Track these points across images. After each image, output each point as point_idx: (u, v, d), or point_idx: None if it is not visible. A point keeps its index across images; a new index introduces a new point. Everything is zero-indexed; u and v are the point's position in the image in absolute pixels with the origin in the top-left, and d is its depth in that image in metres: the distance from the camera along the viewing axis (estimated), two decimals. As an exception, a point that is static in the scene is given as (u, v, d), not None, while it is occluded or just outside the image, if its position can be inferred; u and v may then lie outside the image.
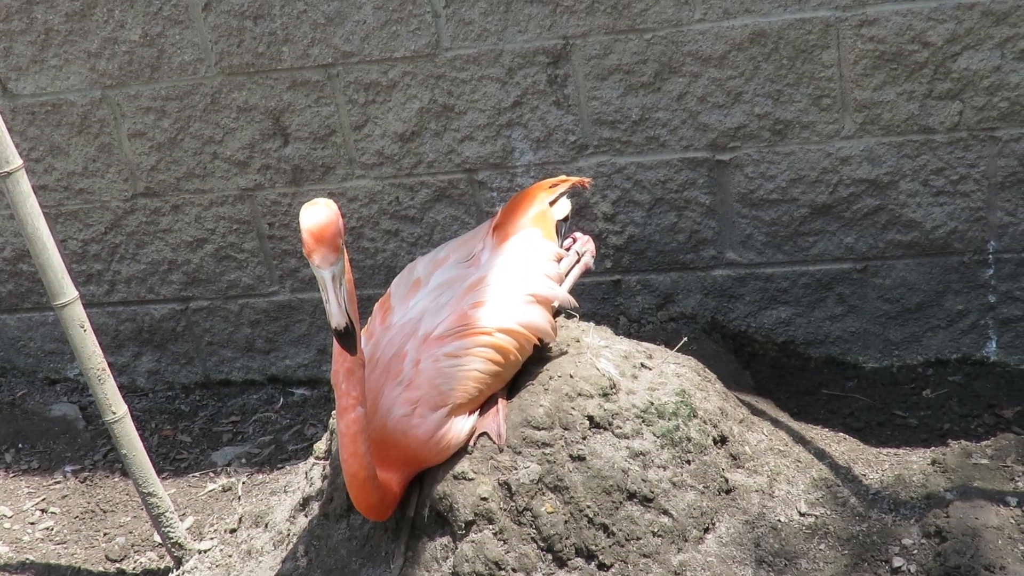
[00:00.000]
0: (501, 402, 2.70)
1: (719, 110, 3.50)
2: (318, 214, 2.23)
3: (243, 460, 3.78)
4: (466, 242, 2.91)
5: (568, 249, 3.03)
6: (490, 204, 3.79)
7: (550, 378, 2.73)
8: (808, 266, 3.63)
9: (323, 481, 2.94)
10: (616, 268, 3.80)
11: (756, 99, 3.46)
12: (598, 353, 2.82)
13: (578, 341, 2.87)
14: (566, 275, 2.94)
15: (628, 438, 2.67)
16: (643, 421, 2.70)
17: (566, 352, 2.82)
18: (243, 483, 3.63)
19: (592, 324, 2.99)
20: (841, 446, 3.12)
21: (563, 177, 3.15)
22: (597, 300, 3.86)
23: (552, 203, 3.01)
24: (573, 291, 2.93)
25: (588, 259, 3.04)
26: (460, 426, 2.62)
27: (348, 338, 2.30)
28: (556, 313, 2.93)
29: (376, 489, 2.48)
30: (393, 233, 3.89)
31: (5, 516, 3.58)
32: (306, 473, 3.07)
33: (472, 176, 3.77)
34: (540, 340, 2.75)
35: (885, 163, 3.44)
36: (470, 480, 2.60)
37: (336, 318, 2.24)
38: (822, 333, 3.70)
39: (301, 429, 3.89)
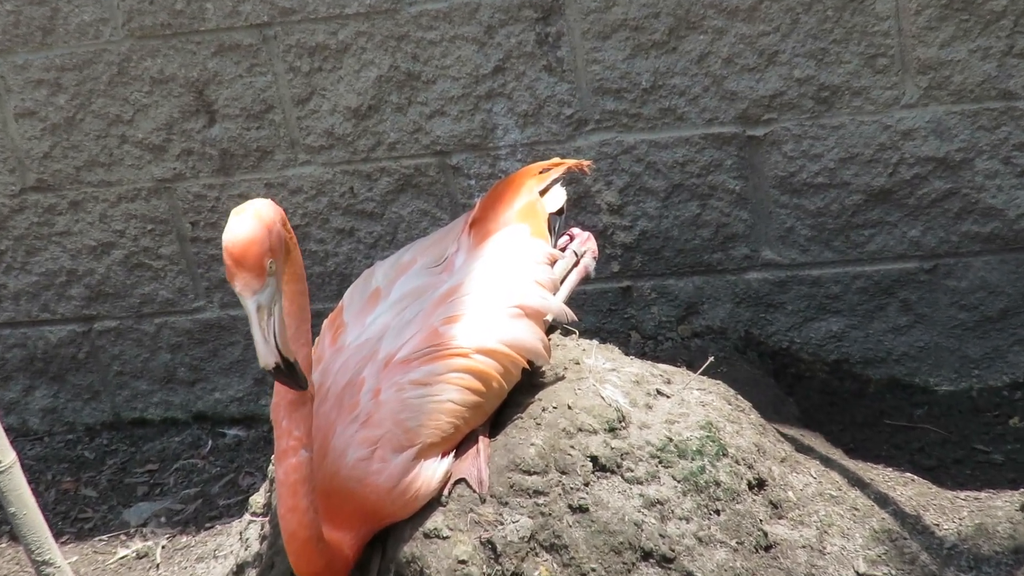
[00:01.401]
0: (482, 441, 2.72)
1: (749, 74, 3.53)
2: (240, 228, 2.27)
3: (162, 519, 3.76)
4: (437, 242, 2.94)
5: (564, 249, 3.06)
6: (467, 195, 3.82)
7: (543, 410, 2.75)
8: (864, 266, 3.66)
9: (262, 543, 2.93)
10: (625, 272, 3.83)
11: (795, 60, 3.50)
12: (603, 378, 2.84)
13: (578, 363, 2.89)
14: (561, 282, 2.97)
15: (641, 483, 2.66)
16: (660, 462, 2.69)
17: (563, 377, 2.84)
18: (162, 547, 3.62)
19: (595, 342, 3.01)
20: (908, 489, 3.13)
21: (557, 160, 3.17)
22: (602, 312, 3.88)
23: (543, 192, 3.05)
24: (571, 301, 2.95)
25: (588, 261, 3.06)
26: (431, 471, 2.63)
27: (288, 375, 2.34)
28: (550, 329, 2.96)
29: (321, 553, 2.48)
30: (347, 232, 3.92)
31: None
32: (240, 534, 3.06)
33: (444, 160, 3.80)
34: (530, 363, 2.78)
35: (956, 137, 3.47)
36: (445, 539, 2.59)
37: (263, 356, 2.28)
38: (883, 349, 3.73)
39: (235, 479, 3.90)
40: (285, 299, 2.44)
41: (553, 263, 2.95)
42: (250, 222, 2.28)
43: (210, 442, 4.09)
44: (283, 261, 2.34)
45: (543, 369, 2.86)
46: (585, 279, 3.08)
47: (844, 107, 3.51)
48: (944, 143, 3.48)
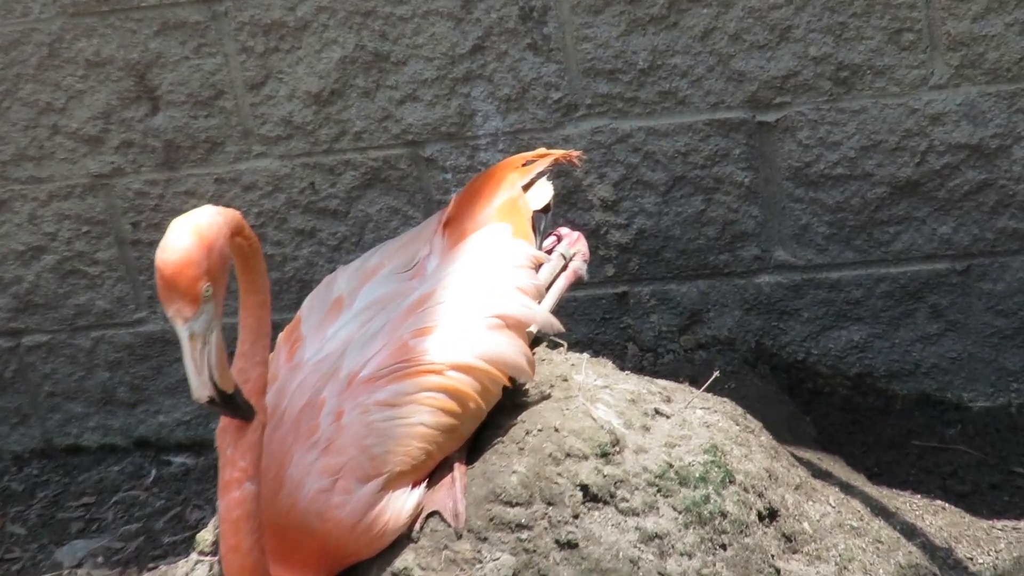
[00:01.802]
0: (458, 468, 2.71)
1: (759, 52, 3.54)
2: (174, 246, 2.29)
3: (100, 558, 3.73)
4: (407, 244, 2.93)
5: (550, 251, 3.06)
6: (442, 190, 3.82)
7: (527, 433, 2.74)
8: (889, 267, 3.67)
9: (211, 585, 2.90)
10: (621, 276, 3.83)
11: (811, 36, 3.51)
12: (595, 396, 2.84)
13: (566, 380, 2.88)
14: (547, 288, 2.97)
15: (638, 515, 2.65)
16: (659, 491, 2.69)
17: (549, 396, 2.84)
18: (100, 590, 3.62)
19: (587, 356, 3.01)
20: (939, 518, 3.13)
21: (543, 151, 3.17)
22: (595, 322, 3.88)
23: (527, 187, 3.05)
24: (558, 310, 2.95)
25: (578, 265, 3.06)
26: (401, 503, 2.62)
27: (227, 407, 2.38)
28: (534, 342, 2.95)
29: (268, 598, 2.50)
30: (307, 233, 3.92)
31: None
32: (187, 575, 3.01)
33: (417, 151, 3.80)
34: (512, 380, 2.78)
35: (991, 121, 3.47)
36: (416, 579, 2.58)
37: (196, 389, 2.32)
38: (911, 361, 3.73)
39: (181, 513, 3.86)
40: (243, 311, 2.49)
41: (538, 267, 2.95)
42: (186, 239, 2.29)
43: (154, 471, 4.06)
44: (223, 283, 2.35)
45: (527, 387, 2.85)
46: (575, 285, 3.07)
47: (866, 89, 3.51)
48: (978, 128, 3.48)
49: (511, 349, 2.74)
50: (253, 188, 3.89)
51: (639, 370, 3.64)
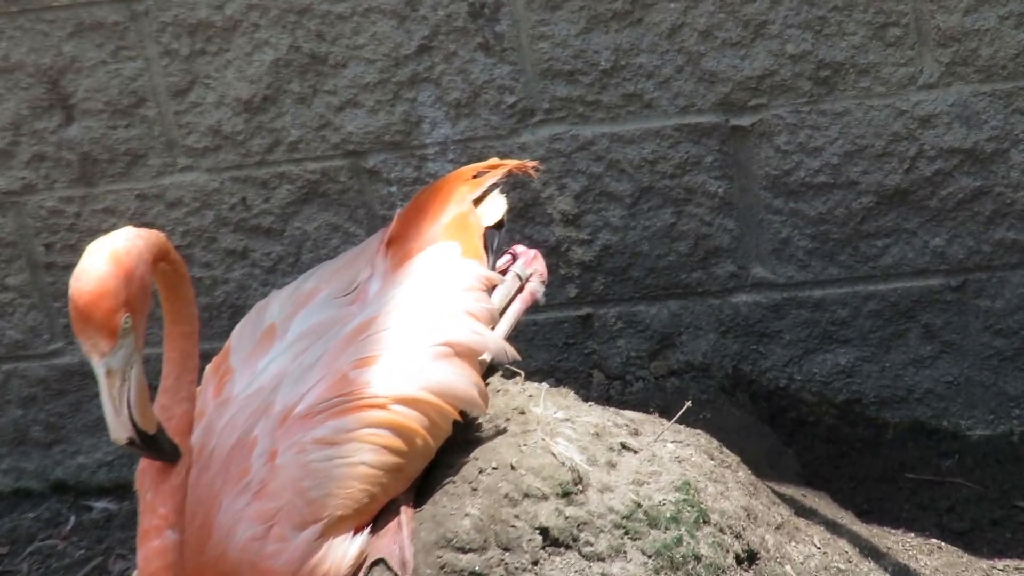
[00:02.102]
0: (405, 512, 2.70)
1: (732, 50, 3.54)
2: (89, 274, 2.29)
3: (13, 616, 3.71)
4: (347, 266, 2.95)
5: (505, 272, 3.07)
6: (387, 205, 3.80)
7: (480, 472, 2.73)
8: (878, 284, 3.67)
9: (133, 644, 2.75)
10: (585, 297, 3.82)
11: (788, 32, 3.50)
12: (555, 430, 2.84)
13: (523, 413, 2.89)
14: (501, 312, 2.98)
15: (604, 560, 2.65)
16: (626, 533, 2.68)
17: (504, 431, 2.84)
18: (13, 652, 3.63)
19: (546, 385, 3.02)
20: (935, 559, 3.14)
21: (496, 161, 3.19)
22: (556, 347, 3.88)
23: (479, 201, 3.06)
24: (514, 336, 2.96)
25: (536, 286, 3.08)
26: (342, 551, 2.61)
27: (149, 449, 2.39)
28: (488, 371, 2.94)
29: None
30: (239, 254, 3.91)
31: None
32: (107, 632, 3.01)
33: (358, 162, 3.80)
34: (463, 413, 2.78)
35: (987, 123, 3.47)
36: (358, 636, 2.60)
37: (114, 430, 2.33)
38: (903, 386, 3.72)
39: (104, 564, 3.83)
40: (168, 342, 2.51)
41: (491, 289, 2.96)
42: (103, 266, 2.29)
43: (73, 518, 4.03)
44: (144, 314, 2.35)
45: (480, 421, 2.85)
46: (532, 307, 3.08)
47: (848, 89, 3.51)
48: (972, 131, 3.48)
49: (461, 380, 2.75)
50: (178, 205, 3.87)
51: (605, 400, 3.64)
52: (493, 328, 2.90)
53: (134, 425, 2.33)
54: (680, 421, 3.05)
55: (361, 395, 2.64)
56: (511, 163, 3.15)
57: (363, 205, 3.82)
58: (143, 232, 2.38)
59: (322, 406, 2.63)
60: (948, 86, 3.46)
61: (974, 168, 3.52)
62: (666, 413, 3.14)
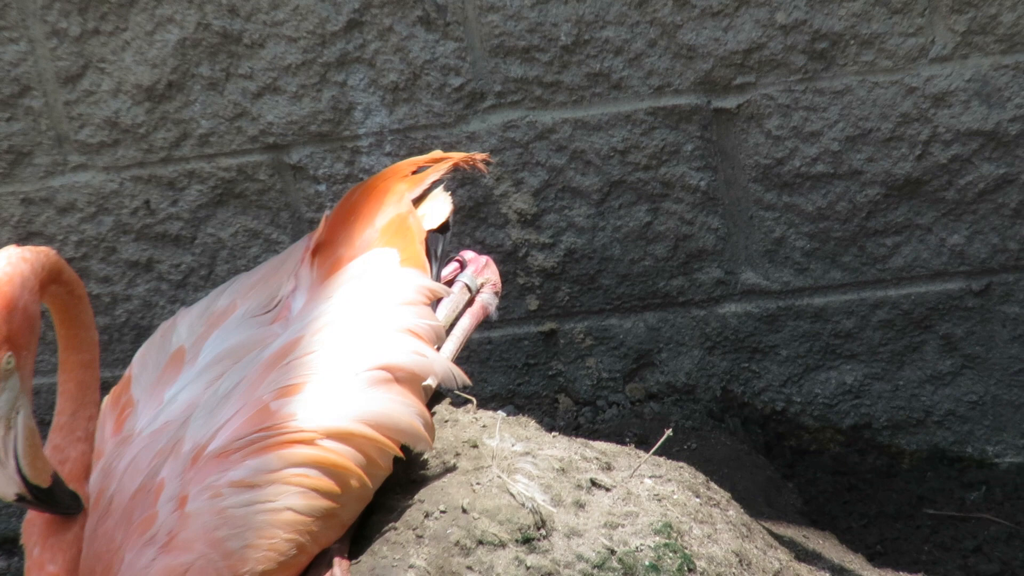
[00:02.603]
0: (339, 565, 2.67)
1: (714, 21, 3.53)
2: None
3: None
4: (267, 278, 2.94)
5: (451, 282, 3.08)
6: (315, 206, 3.79)
7: (427, 516, 2.71)
8: (888, 289, 3.68)
9: None
10: (548, 310, 3.83)
11: (778, -2, 3.44)
12: (513, 466, 2.83)
13: (476, 447, 2.88)
14: (448, 329, 3.01)
15: (572, 619, 2.57)
16: (598, 585, 2.60)
17: (454, 468, 2.82)
18: None
19: (502, 414, 3.01)
20: (960, 609, 3.13)
21: (439, 154, 3.18)
22: (515, 369, 3.87)
23: (420, 200, 3.06)
24: (464, 356, 3.04)
25: (488, 298, 3.10)
26: (266, 613, 2.53)
27: (43, 503, 2.36)
28: (433, 398, 2.95)
29: None
30: (143, 266, 3.89)
31: None
32: None
33: (280, 157, 3.78)
34: (405, 448, 2.75)
35: (1010, 101, 3.48)
36: None
37: (1, 486, 2.32)
38: (919, 407, 3.73)
39: (-10, 631, 3.74)
40: (62, 373, 2.49)
41: (435, 302, 2.96)
42: None
43: (-47, 577, 3.89)
44: (31, 348, 2.33)
45: (425, 457, 2.85)
46: (485, 323, 3.11)
47: (849, 63, 3.51)
48: (993, 110, 3.47)
49: (402, 409, 2.71)
50: (71, 210, 3.86)
51: (574, 430, 3.71)
52: (439, 348, 2.87)
53: (23, 479, 2.31)
54: (660, 452, 3.04)
55: (285, 429, 2.60)
56: (458, 156, 3.15)
57: (286, 207, 3.80)
58: (28, 251, 2.36)
59: (239, 443, 2.60)
60: (964, 58, 3.46)
61: (996, 153, 3.52)
62: (644, 444, 3.17)
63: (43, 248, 2.39)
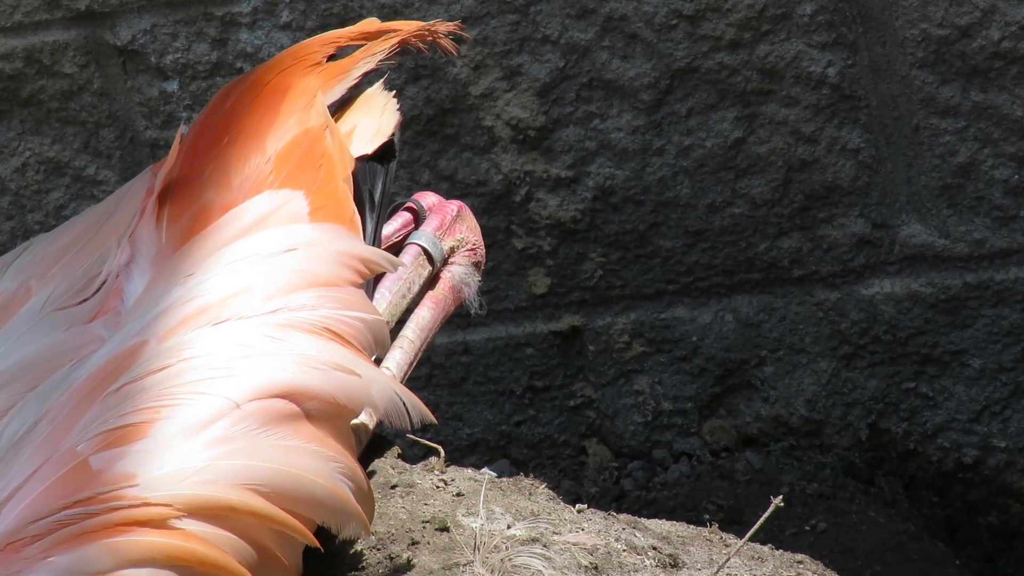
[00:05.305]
0: None
1: None
2: None
3: None
4: (82, 244, 2.64)
5: (400, 245, 2.75)
6: (159, 118, 3.52)
7: None
8: None
9: None
10: (565, 294, 3.48)
11: None
12: (510, 564, 2.64)
13: (446, 530, 2.65)
14: (395, 327, 2.74)
15: None
16: None
17: (408, 568, 2.61)
18: None
19: (489, 474, 2.86)
20: None
21: (373, 23, 2.77)
22: (511, 398, 3.56)
23: (342, 108, 2.71)
24: (420, 376, 3.11)
25: (461, 274, 2.80)
26: None
27: None
28: (371, 448, 2.68)
29: None
30: None
31: None
32: None
33: (99, 34, 3.50)
34: (324, 532, 2.42)
35: None
36: None
37: None
38: None
39: None
40: None
41: (372, 281, 2.58)
42: None
43: None
44: None
45: (359, 548, 2.60)
46: (456, 315, 2.84)
47: None
48: None
49: (316, 466, 2.39)
50: None
51: (615, 500, 3.34)
52: (378, 360, 2.52)
53: None
54: (763, 538, 2.79)
55: (118, 501, 2.23)
56: (408, 26, 2.70)
57: (111, 121, 3.53)
58: None
59: (40, 526, 2.22)
60: None
61: None
62: (736, 523, 3.06)
63: None
